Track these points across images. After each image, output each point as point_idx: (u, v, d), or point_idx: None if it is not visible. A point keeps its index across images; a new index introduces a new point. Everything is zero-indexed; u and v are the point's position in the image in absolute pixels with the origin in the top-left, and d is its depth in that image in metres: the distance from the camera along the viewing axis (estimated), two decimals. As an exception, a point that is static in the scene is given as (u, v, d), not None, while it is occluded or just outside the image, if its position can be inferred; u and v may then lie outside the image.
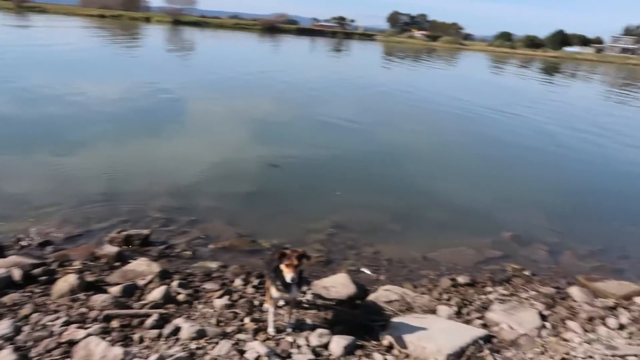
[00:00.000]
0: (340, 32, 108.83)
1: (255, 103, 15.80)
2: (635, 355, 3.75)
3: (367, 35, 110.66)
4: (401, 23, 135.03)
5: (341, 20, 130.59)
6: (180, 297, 4.18)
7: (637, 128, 18.58)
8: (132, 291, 4.22)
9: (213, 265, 5.09)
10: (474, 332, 3.84)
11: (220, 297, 4.26)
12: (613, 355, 3.73)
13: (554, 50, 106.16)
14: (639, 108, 26.26)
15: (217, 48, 44.45)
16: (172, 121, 12.07)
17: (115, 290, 4.15)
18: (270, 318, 3.71)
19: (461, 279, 5.15)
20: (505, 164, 11.21)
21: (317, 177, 8.92)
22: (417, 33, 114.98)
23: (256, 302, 4.23)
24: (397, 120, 15.40)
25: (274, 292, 3.58)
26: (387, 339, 3.71)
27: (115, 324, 3.62)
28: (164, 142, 10.19)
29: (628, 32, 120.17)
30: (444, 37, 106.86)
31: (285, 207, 7.17)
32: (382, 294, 4.54)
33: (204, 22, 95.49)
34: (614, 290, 5.16)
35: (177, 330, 3.56)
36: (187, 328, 3.55)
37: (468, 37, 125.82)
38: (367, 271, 5.30)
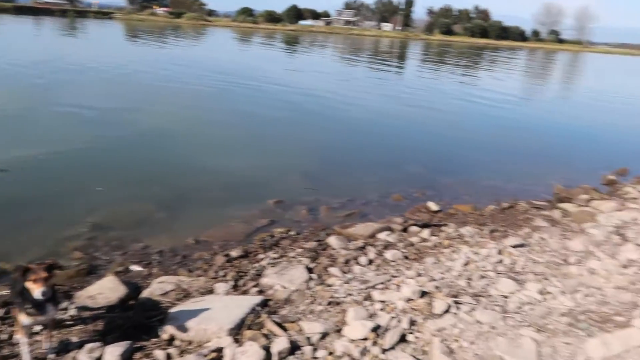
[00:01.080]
0: (71, 10, 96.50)
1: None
2: (382, 283, 4.47)
3: (103, 14, 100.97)
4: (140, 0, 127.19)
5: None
6: None
7: (370, 88, 21.67)
8: None
9: None
10: (251, 300, 4.01)
11: (-49, 343, 3.47)
12: (367, 288, 4.37)
13: (292, 24, 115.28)
14: (369, 69, 30.77)
15: None
16: None
17: None
18: (25, 349, 3.19)
19: (234, 253, 5.30)
20: (262, 134, 11.83)
21: (66, 175, 7.89)
22: (159, 10, 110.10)
23: (4, 336, 3.59)
24: (152, 103, 14.64)
25: (24, 318, 3.08)
26: (167, 332, 3.59)
27: None
28: None
29: (348, 6, 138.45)
30: (187, 13, 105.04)
31: (27, 216, 6.14)
32: (157, 287, 4.36)
33: None
34: (361, 232, 6.02)
35: None
36: None
37: (212, 13, 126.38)
38: (137, 268, 5.00)
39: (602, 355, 3.33)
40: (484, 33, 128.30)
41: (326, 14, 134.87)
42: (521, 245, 5.55)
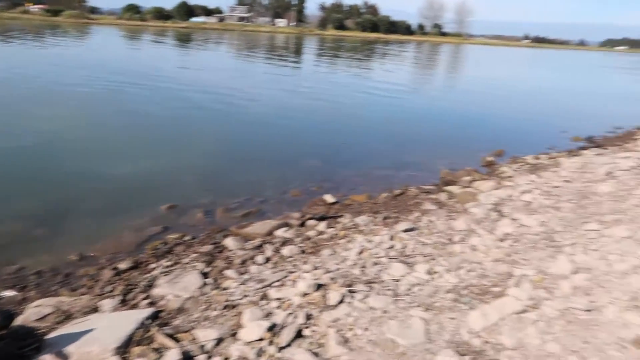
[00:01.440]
0: None
1: None
2: (279, 280, 4.45)
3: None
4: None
5: None
6: None
7: (267, 83, 21.51)
8: None
9: None
10: (140, 314, 3.79)
11: None
12: (263, 287, 4.33)
13: (183, 21, 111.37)
14: (266, 64, 30.56)
15: None
16: None
17: None
18: None
19: (123, 265, 4.99)
20: (155, 135, 11.26)
21: None
22: (33, 7, 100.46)
23: None
24: (30, 108, 13.29)
25: None
26: (43, 361, 3.28)
27: None
28: None
29: (241, 2, 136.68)
30: (66, 11, 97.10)
31: None
32: (32, 312, 3.96)
33: None
34: (259, 231, 5.97)
35: None
36: None
37: (94, 10, 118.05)
38: (10, 293, 4.51)
39: (481, 325, 3.59)
40: (374, 27, 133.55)
41: (218, 11, 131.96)
42: (411, 230, 5.82)
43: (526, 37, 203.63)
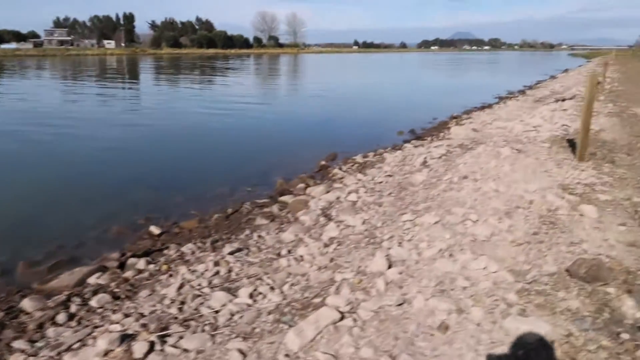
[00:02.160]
0: None
1: None
2: (80, 340, 3.84)
3: None
4: None
5: None
6: None
7: (94, 111, 19.64)
8: None
9: None
10: None
11: None
12: (58, 354, 3.69)
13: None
14: (94, 89, 27.98)
15: None
16: None
17: None
18: None
19: None
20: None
21: None
22: None
23: None
24: None
25: None
26: None
27: None
28: None
29: (59, 24, 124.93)
30: None
31: None
32: None
33: None
34: (66, 283, 5.20)
35: None
36: None
37: None
38: None
39: (299, 344, 3.44)
40: (211, 43, 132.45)
41: (34, 35, 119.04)
42: (238, 250, 5.57)
43: (356, 44, 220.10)
